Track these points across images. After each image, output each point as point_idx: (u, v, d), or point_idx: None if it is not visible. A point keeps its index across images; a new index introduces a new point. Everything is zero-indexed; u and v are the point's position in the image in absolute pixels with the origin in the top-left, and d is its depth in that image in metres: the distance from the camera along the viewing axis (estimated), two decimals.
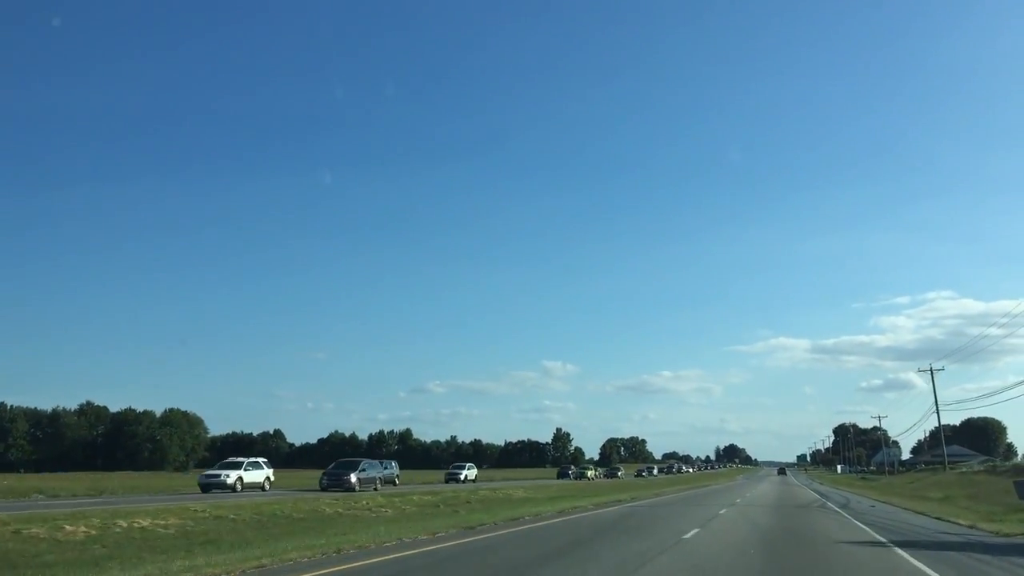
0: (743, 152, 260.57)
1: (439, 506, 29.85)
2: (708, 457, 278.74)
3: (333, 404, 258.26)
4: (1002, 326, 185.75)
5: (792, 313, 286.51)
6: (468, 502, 32.03)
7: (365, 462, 38.88)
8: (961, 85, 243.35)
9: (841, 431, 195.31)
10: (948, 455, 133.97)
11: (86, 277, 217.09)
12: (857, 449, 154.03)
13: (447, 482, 52.33)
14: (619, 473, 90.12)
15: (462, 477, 55.64)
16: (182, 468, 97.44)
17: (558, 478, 70.48)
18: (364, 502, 27.50)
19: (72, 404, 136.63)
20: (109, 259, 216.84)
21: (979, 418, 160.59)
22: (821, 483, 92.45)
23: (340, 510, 24.58)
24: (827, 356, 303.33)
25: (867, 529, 21.48)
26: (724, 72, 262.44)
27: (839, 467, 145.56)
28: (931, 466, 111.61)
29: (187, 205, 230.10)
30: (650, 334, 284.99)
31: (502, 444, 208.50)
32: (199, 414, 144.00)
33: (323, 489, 33.61)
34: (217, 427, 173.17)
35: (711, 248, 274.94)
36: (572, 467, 75.19)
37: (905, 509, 34.10)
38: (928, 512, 30.81)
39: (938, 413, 70.63)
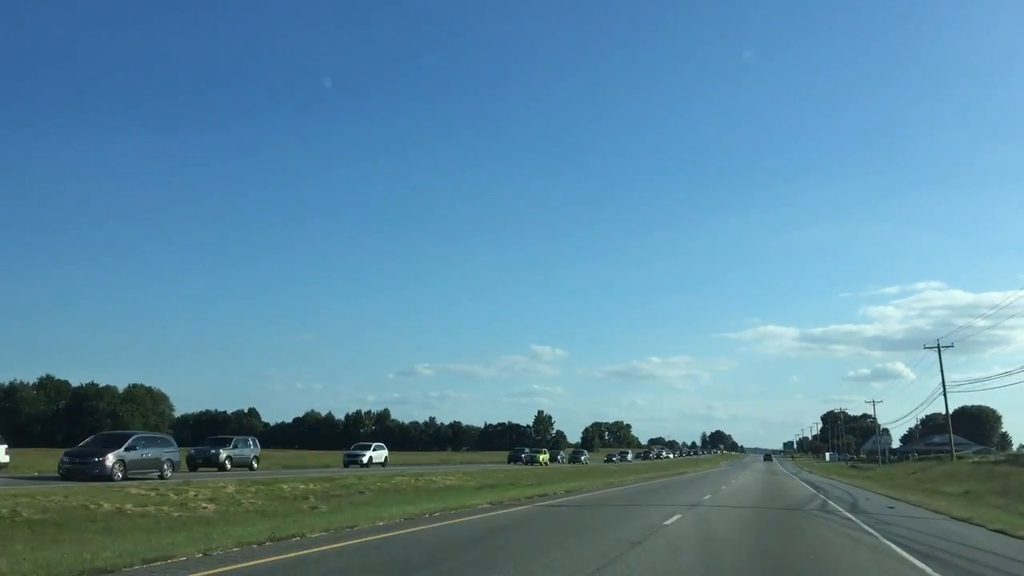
0: (734, 139, 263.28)
1: (297, 499, 21.15)
2: (694, 443, 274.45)
3: (321, 385, 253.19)
4: (988, 317, 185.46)
5: (781, 301, 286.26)
6: (361, 492, 24.73)
7: (136, 437, 25.29)
8: (952, 77, 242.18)
9: (830, 418, 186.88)
10: (943, 444, 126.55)
11: (64, 255, 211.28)
12: (846, 437, 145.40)
13: (346, 466, 42.51)
14: (583, 458, 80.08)
15: (364, 460, 44.68)
16: None
17: (509, 462, 60.75)
18: (124, 497, 17.66)
19: (32, 378, 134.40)
20: (89, 237, 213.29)
21: (973, 406, 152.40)
22: (811, 472, 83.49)
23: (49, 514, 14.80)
24: (815, 345, 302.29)
25: (921, 566, 11.64)
26: (714, 59, 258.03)
27: (827, 454, 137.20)
28: (927, 456, 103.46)
29: (167, 181, 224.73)
30: (639, 320, 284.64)
31: (482, 426, 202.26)
32: (164, 390, 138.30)
33: (64, 477, 22.58)
34: (196, 406, 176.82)
35: (701, 235, 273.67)
36: (525, 450, 64.37)
37: (935, 512, 24.59)
38: (964, 515, 22.16)
39: (945, 395, 61.51)
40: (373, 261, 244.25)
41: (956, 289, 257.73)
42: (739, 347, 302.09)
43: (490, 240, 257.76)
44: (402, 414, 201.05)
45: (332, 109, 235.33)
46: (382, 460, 46.60)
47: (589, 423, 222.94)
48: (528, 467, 54.45)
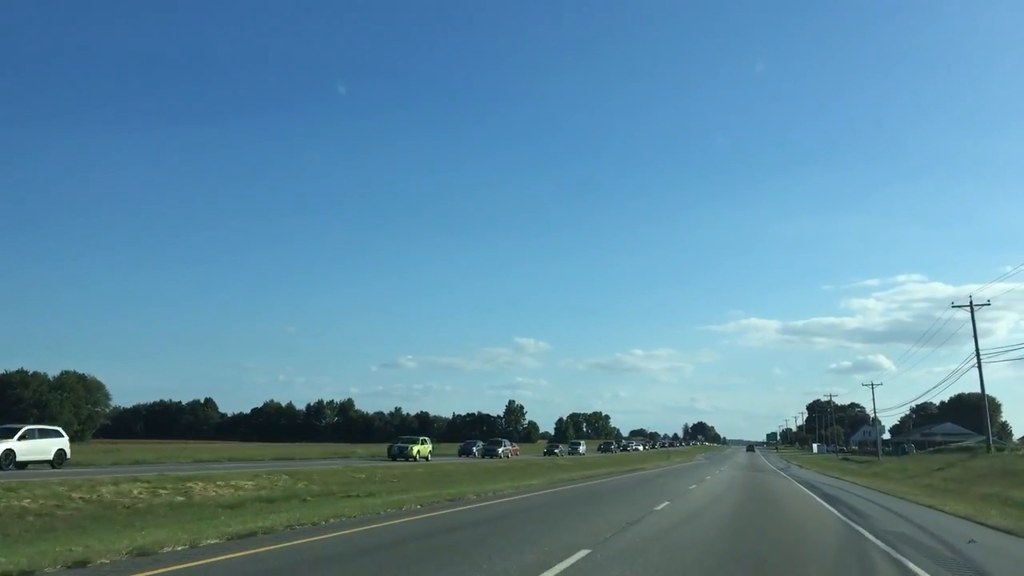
0: (716, 135, 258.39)
1: None
2: (676, 435, 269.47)
3: (304, 378, 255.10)
4: (968, 308, 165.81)
5: (763, 294, 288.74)
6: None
7: None
8: (936, 70, 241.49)
9: (816, 408, 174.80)
10: (941, 434, 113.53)
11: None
12: (834, 427, 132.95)
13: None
14: (499, 450, 61.73)
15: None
16: (77, 438, 79.97)
17: (389, 456, 45.98)
18: None
19: None
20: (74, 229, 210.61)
21: (972, 394, 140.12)
22: (802, 467, 70.36)
23: None
24: (797, 337, 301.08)
25: None
26: (701, 55, 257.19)
27: (815, 446, 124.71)
28: (924, 447, 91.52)
29: (148, 171, 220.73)
30: (622, 313, 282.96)
31: (450, 417, 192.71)
32: (99, 378, 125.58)
33: None
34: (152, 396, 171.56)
35: (684, 228, 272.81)
36: (401, 440, 46.18)
37: None
38: None
39: (979, 363, 48.22)
40: (357, 255, 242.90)
41: (937, 281, 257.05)
42: (722, 339, 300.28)
43: (474, 233, 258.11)
44: (384, 406, 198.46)
45: (319, 105, 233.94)
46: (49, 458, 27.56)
47: (568, 414, 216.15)
48: (405, 463, 39.61)
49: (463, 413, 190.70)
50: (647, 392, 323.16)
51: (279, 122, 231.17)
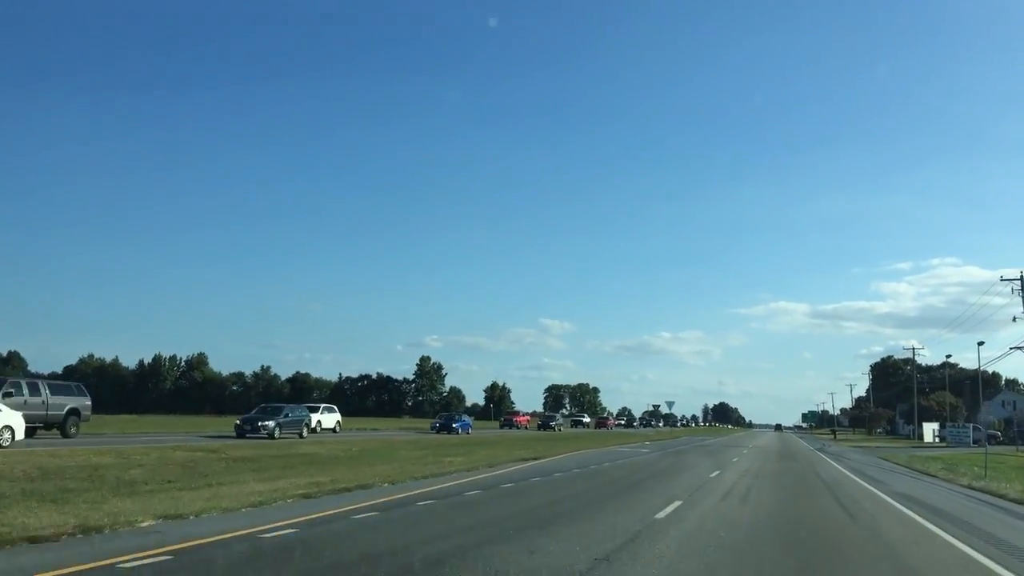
0: (744, 108, 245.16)
1: None
2: (693, 416, 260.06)
3: (331, 356, 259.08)
4: (1006, 295, 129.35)
5: (791, 276, 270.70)
6: None
7: None
8: (972, 42, 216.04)
9: (886, 369, 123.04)
10: None
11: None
12: (942, 395, 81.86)
13: None
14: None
15: None
16: None
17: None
18: None
19: None
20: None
21: None
22: None
23: None
24: (826, 321, 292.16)
25: None
26: (726, 21, 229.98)
27: (932, 429, 67.76)
28: None
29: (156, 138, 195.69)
30: (648, 295, 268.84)
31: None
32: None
33: None
34: None
35: (711, 206, 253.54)
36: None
37: None
38: None
39: None
40: (382, 232, 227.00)
41: (972, 265, 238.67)
42: (750, 323, 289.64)
43: (498, 212, 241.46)
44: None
45: (337, 72, 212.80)
46: None
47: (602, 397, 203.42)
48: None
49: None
50: (675, 375, 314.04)
51: (306, 91, 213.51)
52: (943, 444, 56.19)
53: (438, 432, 47.68)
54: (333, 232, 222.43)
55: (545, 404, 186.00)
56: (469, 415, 66.40)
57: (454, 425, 50.35)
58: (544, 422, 73.69)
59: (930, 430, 65.27)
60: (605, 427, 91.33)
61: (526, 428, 68.35)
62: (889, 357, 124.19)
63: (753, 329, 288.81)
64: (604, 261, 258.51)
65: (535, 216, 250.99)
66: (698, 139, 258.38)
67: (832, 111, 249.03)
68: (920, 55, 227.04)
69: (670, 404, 67.40)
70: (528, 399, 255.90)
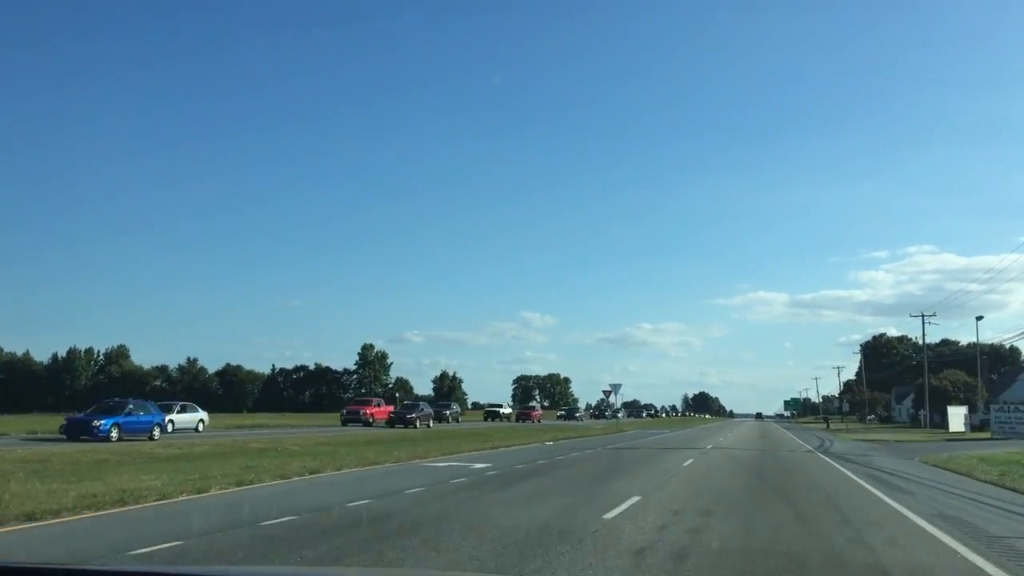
0: (718, 95, 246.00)
1: None
2: (673, 406, 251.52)
3: (310, 353, 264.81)
4: (984, 282, 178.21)
5: (770, 266, 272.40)
6: None
7: None
8: (947, 23, 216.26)
9: (878, 348, 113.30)
10: None
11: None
12: (951, 373, 71.68)
13: None
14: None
15: None
16: None
17: None
18: None
19: None
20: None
21: None
22: None
23: None
24: (805, 310, 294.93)
25: None
26: (697, 7, 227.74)
27: (960, 414, 54.45)
28: None
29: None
30: (629, 287, 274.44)
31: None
32: None
33: None
34: None
35: (687, 196, 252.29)
36: None
37: None
38: None
39: None
40: (361, 227, 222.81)
41: (948, 252, 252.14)
42: (730, 313, 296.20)
43: (477, 205, 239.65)
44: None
45: (318, 63, 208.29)
46: None
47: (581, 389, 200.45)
48: None
49: None
50: (657, 366, 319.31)
51: (287, 89, 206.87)
52: (986, 435, 44.44)
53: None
54: (308, 229, 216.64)
55: (514, 395, 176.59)
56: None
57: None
58: (400, 415, 50.36)
59: (958, 416, 53.01)
60: (529, 419, 71.25)
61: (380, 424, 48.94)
62: (882, 335, 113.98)
63: (733, 319, 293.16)
64: (584, 254, 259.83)
65: (514, 210, 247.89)
66: (671, 128, 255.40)
67: (805, 98, 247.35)
68: (890, 40, 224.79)
69: (616, 388, 50.14)
70: (503, 392, 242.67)
